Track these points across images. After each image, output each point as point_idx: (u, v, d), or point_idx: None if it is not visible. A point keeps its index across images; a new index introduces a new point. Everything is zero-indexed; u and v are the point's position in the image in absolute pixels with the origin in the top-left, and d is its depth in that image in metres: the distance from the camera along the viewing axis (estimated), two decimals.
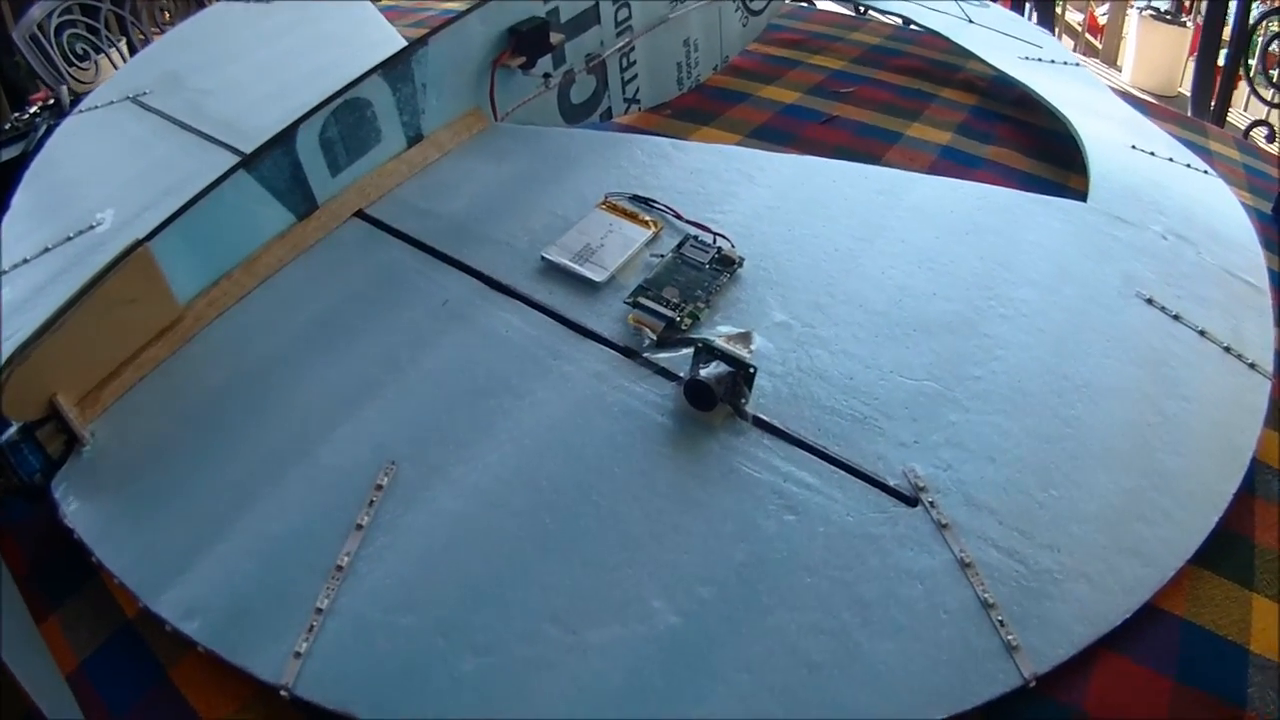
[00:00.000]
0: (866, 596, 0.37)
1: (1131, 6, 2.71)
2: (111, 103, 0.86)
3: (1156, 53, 2.67)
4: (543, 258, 0.51)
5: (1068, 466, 0.43)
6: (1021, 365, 0.48)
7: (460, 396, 0.45)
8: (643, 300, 0.48)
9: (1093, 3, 2.89)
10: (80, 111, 0.84)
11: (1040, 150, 0.82)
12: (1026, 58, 0.93)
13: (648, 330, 0.46)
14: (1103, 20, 2.87)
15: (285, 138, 0.56)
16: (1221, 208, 0.68)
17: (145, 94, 0.85)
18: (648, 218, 0.54)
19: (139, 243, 0.47)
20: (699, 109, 0.83)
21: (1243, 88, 1.65)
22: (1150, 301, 0.54)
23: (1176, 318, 0.53)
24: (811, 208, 0.57)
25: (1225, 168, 0.79)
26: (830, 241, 0.54)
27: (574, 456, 0.42)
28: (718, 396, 0.41)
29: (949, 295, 0.52)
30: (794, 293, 0.50)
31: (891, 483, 0.41)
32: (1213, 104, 1.61)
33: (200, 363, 0.49)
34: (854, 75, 0.94)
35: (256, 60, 0.89)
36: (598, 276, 0.50)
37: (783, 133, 0.79)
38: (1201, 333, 0.52)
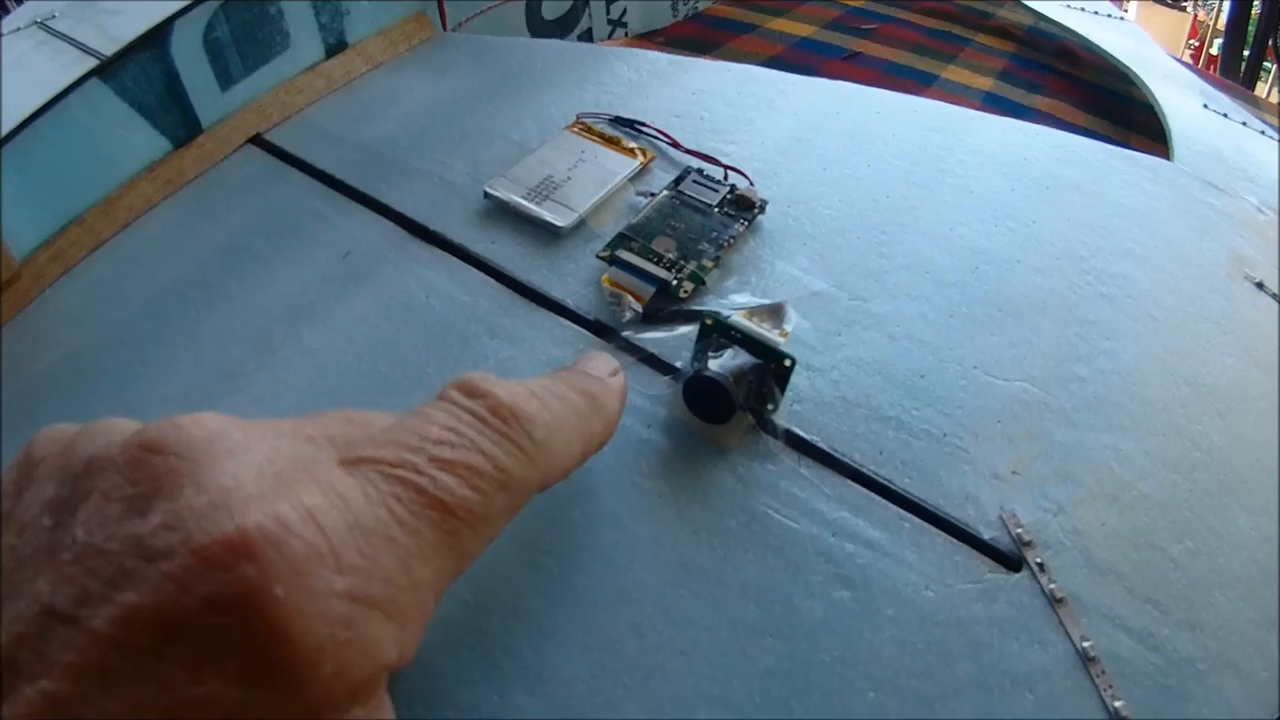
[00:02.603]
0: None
1: None
2: (19, 29, 0.72)
3: (1155, 37, 2.58)
4: (486, 194, 0.37)
5: (1203, 507, 0.31)
6: (1136, 364, 0.35)
7: (353, 391, 0.31)
8: (624, 255, 0.33)
9: None
10: None
11: (1094, 105, 0.71)
12: (1068, 5, 0.82)
13: (630, 298, 0.32)
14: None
15: (155, 38, 0.41)
16: None
17: (53, 18, 0.70)
18: (634, 145, 0.39)
19: None
20: (697, 38, 0.69)
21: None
22: (1261, 287, 0.42)
23: None
24: (851, 144, 0.43)
25: None
26: (879, 185, 0.40)
27: None
28: (736, 402, 0.27)
29: (1037, 265, 0.38)
30: (835, 251, 0.36)
31: (987, 535, 0.28)
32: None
33: (35, 337, 0.35)
34: (875, 14, 0.80)
35: None
36: (561, 220, 0.35)
37: (798, 67, 0.65)
38: None
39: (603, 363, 0.25)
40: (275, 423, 0.18)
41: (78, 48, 0.66)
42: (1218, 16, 2.35)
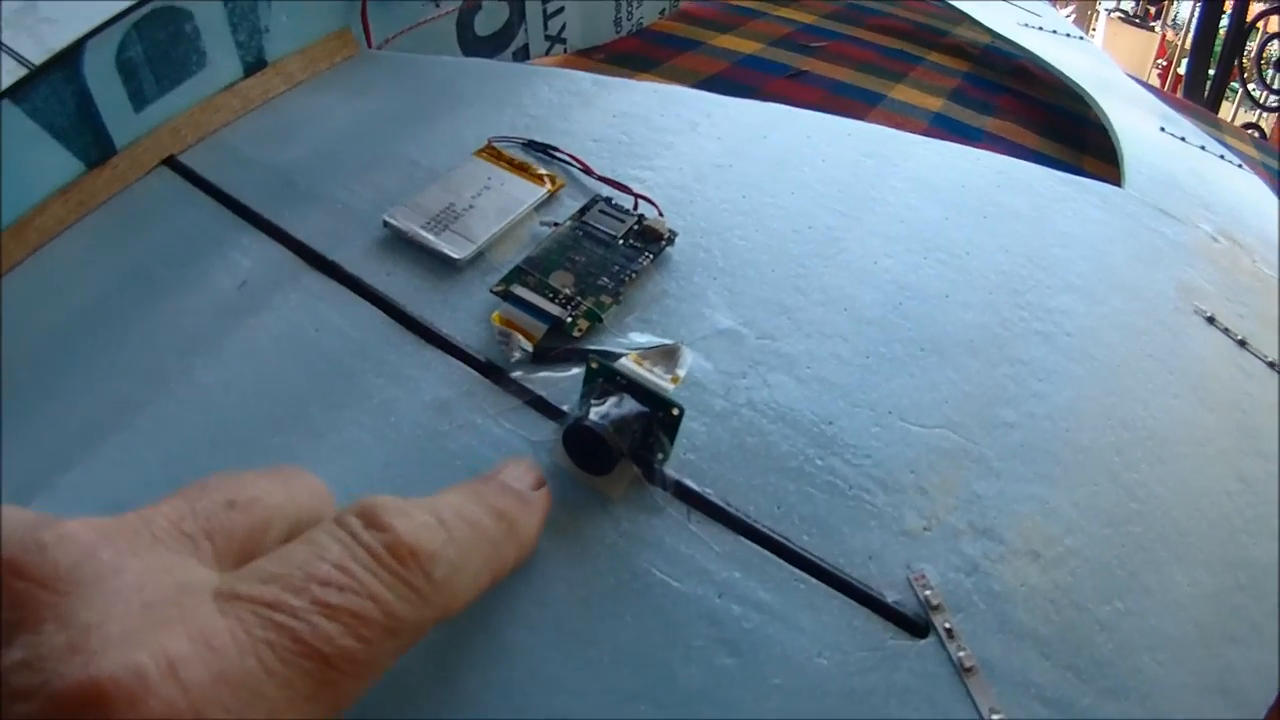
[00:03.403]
0: None
1: (1099, 6, 2.66)
2: None
3: (1123, 56, 2.64)
4: (385, 223, 0.35)
5: (1135, 562, 0.29)
6: (1070, 407, 0.33)
7: (240, 430, 0.29)
8: (517, 290, 0.31)
9: (1058, 3, 2.83)
10: None
11: (1047, 127, 0.70)
12: (1026, 25, 0.81)
13: (519, 337, 0.30)
14: (1069, 20, 2.83)
15: (66, 58, 0.39)
16: (1264, 208, 0.55)
17: None
18: (544, 171, 0.37)
19: None
20: (638, 54, 0.67)
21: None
22: (1212, 321, 0.41)
23: (1243, 343, 0.40)
24: (776, 170, 0.41)
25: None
26: (802, 216, 0.38)
27: None
28: (617, 453, 0.25)
29: (967, 300, 0.36)
30: (748, 286, 0.34)
31: (890, 599, 0.26)
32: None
33: None
34: (826, 31, 0.79)
35: None
36: (457, 252, 0.33)
37: (740, 85, 0.63)
38: (1271, 365, 0.39)
39: (526, 471, 0.24)
40: (150, 517, 0.17)
41: (14, 58, 0.64)
42: (1185, 36, 2.37)
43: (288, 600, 0.16)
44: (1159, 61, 2.46)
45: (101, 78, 0.40)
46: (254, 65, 0.47)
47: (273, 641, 0.15)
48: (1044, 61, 0.70)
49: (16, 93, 0.38)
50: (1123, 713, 0.25)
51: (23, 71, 0.39)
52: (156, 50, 0.42)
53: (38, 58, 0.39)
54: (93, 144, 0.41)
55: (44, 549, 0.15)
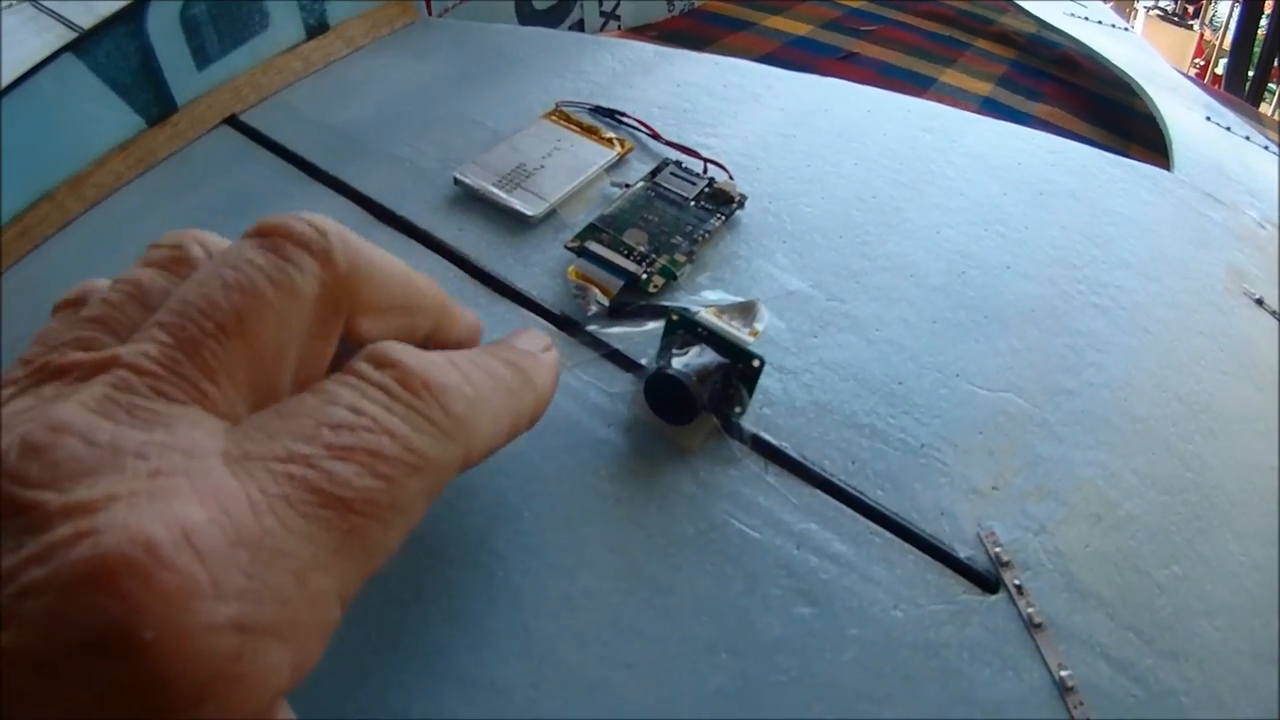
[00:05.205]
0: None
1: (1137, 4, 2.63)
2: (11, 4, 0.70)
3: (1161, 54, 2.58)
4: (456, 180, 0.35)
5: (1191, 530, 0.29)
6: (1127, 377, 0.33)
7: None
8: (592, 246, 0.31)
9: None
10: None
11: (1093, 114, 0.70)
12: (1073, 15, 0.81)
13: (596, 291, 0.30)
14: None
15: (130, 14, 0.39)
16: None
17: None
18: (612, 135, 0.38)
19: None
20: (690, 33, 0.67)
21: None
22: (1260, 303, 0.41)
23: None
24: (838, 141, 0.41)
25: None
26: (864, 184, 0.38)
27: (462, 492, 0.26)
28: (699, 402, 0.25)
29: (1027, 271, 0.37)
30: (815, 250, 0.35)
31: (963, 554, 0.26)
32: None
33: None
34: (874, 15, 0.79)
35: None
36: (530, 209, 0.34)
37: (792, 65, 0.63)
38: None
39: (534, 338, 0.23)
40: (140, 366, 0.15)
41: (63, 23, 0.65)
42: (1224, 36, 2.34)
43: (299, 449, 0.15)
44: (1196, 61, 2.44)
45: (165, 34, 0.41)
46: (316, 28, 0.48)
47: (288, 495, 0.14)
48: (1092, 50, 0.70)
49: (79, 46, 0.38)
50: (1182, 675, 0.25)
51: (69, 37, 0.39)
52: (220, 9, 0.43)
53: (90, 20, 0.40)
54: (154, 100, 0.41)
55: (39, 451, 0.14)
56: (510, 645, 0.23)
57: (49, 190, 0.37)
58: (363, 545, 0.15)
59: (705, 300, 0.31)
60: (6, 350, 0.31)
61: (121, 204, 0.38)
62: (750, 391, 0.26)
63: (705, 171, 0.36)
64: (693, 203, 0.34)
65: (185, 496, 0.14)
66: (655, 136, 0.38)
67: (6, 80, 0.37)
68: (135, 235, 0.36)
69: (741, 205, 0.35)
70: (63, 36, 0.39)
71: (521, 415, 0.20)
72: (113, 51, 0.39)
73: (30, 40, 0.44)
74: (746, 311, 0.28)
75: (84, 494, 0.13)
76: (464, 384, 0.18)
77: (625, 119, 0.39)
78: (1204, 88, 0.80)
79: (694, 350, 0.26)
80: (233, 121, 0.43)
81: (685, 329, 0.26)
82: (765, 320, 0.28)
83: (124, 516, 0.13)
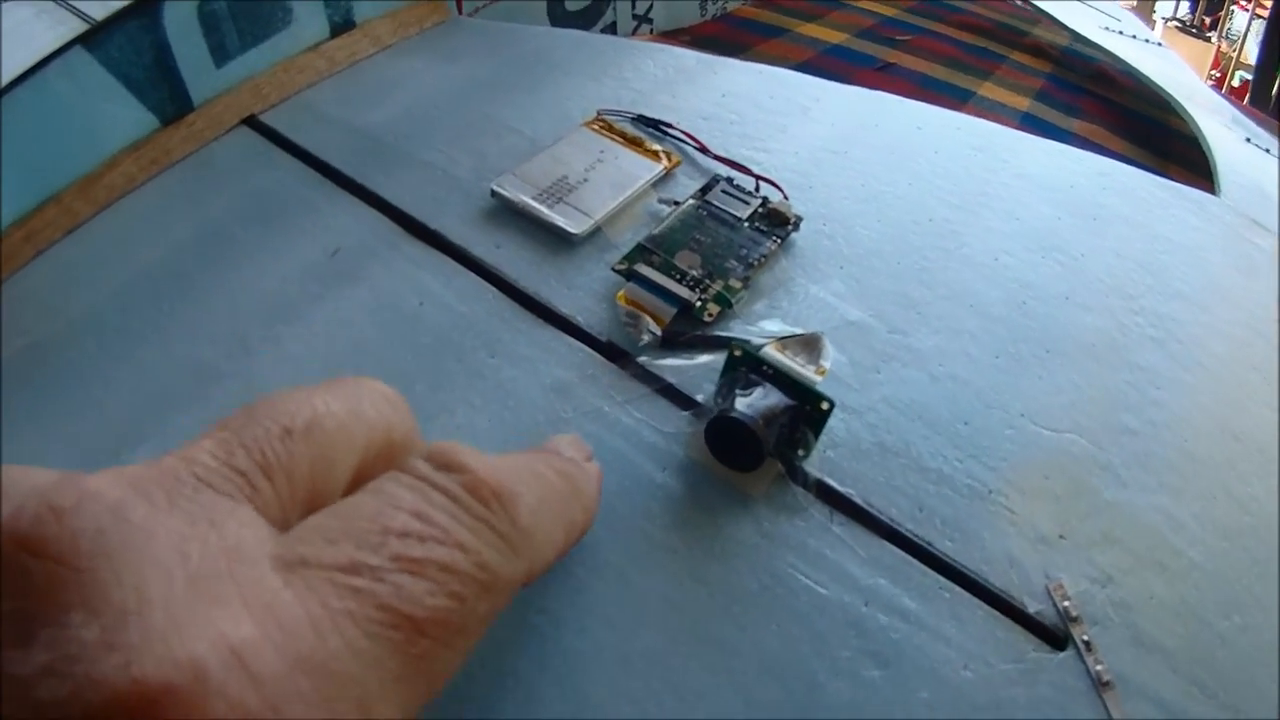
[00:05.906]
0: None
1: (1155, 16, 2.62)
2: None
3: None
4: (493, 192, 0.34)
5: (1250, 577, 0.28)
6: (1186, 416, 0.32)
7: None
8: (642, 269, 0.30)
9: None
10: None
11: (1132, 132, 0.68)
12: (1107, 29, 0.79)
13: (648, 319, 0.28)
14: None
15: (146, 7, 0.38)
16: None
17: None
18: (658, 148, 0.36)
19: None
20: (723, 39, 0.65)
21: None
22: None
23: None
24: (891, 159, 0.39)
25: None
26: (920, 206, 0.37)
27: None
28: (766, 448, 0.23)
29: (1086, 302, 0.35)
30: (874, 276, 0.33)
31: (1032, 609, 0.25)
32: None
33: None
34: (910, 25, 0.77)
35: None
36: (575, 227, 0.32)
37: (829, 74, 0.62)
38: None
39: (577, 446, 0.22)
40: (192, 456, 0.13)
41: (77, 15, 0.63)
42: (1241, 49, 2.32)
43: (365, 559, 0.13)
44: (1213, 73, 2.42)
45: (182, 29, 0.39)
46: (341, 26, 0.46)
47: (353, 612, 0.12)
48: (1128, 66, 0.68)
49: (91, 39, 0.37)
50: None
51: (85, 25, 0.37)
52: (241, 4, 0.41)
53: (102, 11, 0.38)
54: (169, 99, 0.39)
55: (61, 516, 0.12)
56: (563, 710, 0.21)
57: (56, 192, 0.35)
58: (428, 672, 0.13)
59: (764, 331, 0.29)
60: (6, 365, 0.29)
61: (132, 208, 0.37)
62: (817, 435, 0.25)
63: (758, 189, 0.34)
64: (746, 223, 0.32)
65: (233, 609, 0.12)
66: (704, 150, 0.36)
67: (13, 73, 0.35)
68: (145, 242, 0.35)
69: (797, 227, 0.33)
70: (75, 29, 0.38)
71: (574, 526, 0.19)
72: (126, 46, 0.37)
73: (44, 34, 0.42)
74: (810, 346, 0.26)
75: (112, 588, 0.11)
76: (527, 493, 0.16)
77: (670, 130, 0.37)
78: (1240, 107, 0.79)
79: (758, 391, 0.24)
80: (252, 122, 0.41)
81: (749, 365, 0.25)
82: (830, 356, 0.27)
83: (163, 628, 0.11)
